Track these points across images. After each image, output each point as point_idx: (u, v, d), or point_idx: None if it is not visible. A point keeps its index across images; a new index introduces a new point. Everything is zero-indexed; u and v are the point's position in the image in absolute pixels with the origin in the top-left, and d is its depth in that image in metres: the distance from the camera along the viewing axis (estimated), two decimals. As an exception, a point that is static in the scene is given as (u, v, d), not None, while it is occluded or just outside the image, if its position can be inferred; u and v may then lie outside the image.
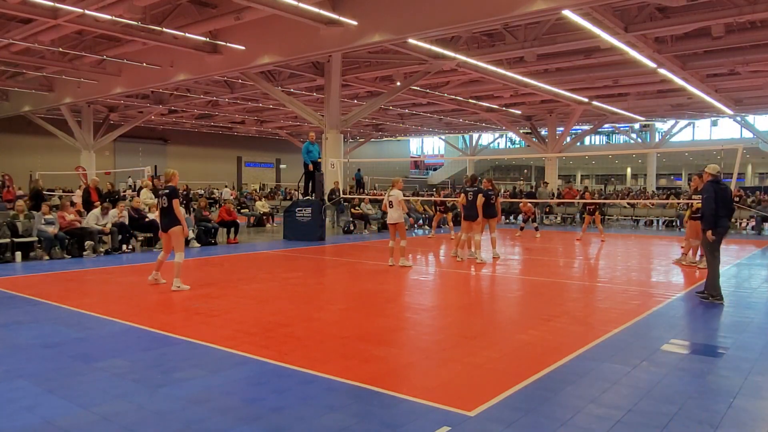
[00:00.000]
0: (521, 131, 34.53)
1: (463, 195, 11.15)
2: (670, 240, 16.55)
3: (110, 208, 12.66)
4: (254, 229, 19.65)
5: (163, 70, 19.18)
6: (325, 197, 16.77)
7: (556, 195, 25.16)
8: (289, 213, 15.81)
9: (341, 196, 18.13)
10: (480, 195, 10.92)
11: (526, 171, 54.68)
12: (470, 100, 26.23)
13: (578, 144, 39.02)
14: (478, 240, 11.09)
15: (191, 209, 16.58)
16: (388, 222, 10.48)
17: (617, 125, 38.75)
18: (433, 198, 20.71)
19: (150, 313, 6.54)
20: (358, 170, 32.38)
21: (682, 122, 38.44)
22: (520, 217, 18.85)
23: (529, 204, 18.10)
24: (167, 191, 8.00)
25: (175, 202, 7.99)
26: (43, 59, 19.78)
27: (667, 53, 16.23)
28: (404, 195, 11.05)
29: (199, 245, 13.71)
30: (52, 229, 11.28)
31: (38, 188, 15.69)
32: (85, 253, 11.77)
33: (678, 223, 20.62)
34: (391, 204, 10.22)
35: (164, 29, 15.01)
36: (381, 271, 9.90)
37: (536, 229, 17.32)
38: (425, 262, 11.41)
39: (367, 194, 23.63)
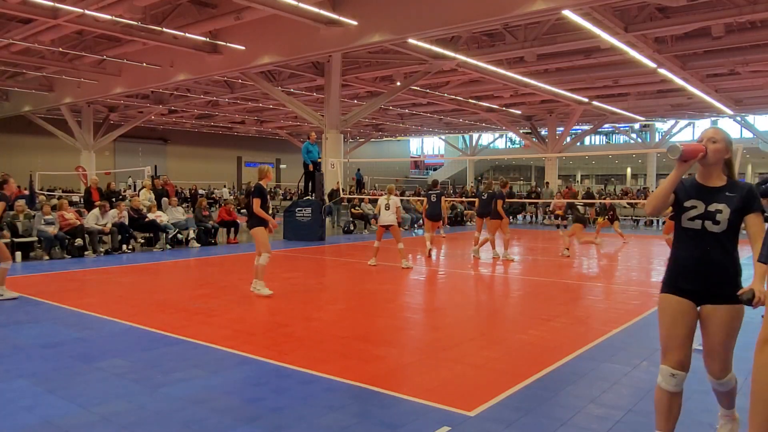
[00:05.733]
0: (521, 131, 34.52)
1: (477, 199, 11.74)
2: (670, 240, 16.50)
3: (108, 208, 12.64)
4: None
5: (163, 70, 19.17)
6: (326, 197, 16.75)
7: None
8: (289, 213, 15.80)
9: (341, 196, 18.12)
10: (497, 197, 11.51)
11: (521, 180, 54.58)
12: (470, 100, 26.21)
13: (578, 144, 38.97)
14: (507, 239, 11.62)
15: (194, 209, 16.58)
16: (380, 224, 10.71)
17: (617, 125, 38.70)
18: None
19: (150, 313, 6.54)
20: (358, 170, 32.42)
21: (682, 122, 38.42)
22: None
23: (559, 203, 17.89)
24: (251, 189, 8.00)
25: (255, 201, 7.52)
26: (43, 59, 19.77)
27: (667, 53, 16.22)
28: (404, 195, 11.25)
29: (198, 245, 13.72)
30: (52, 229, 11.28)
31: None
32: (86, 252, 11.77)
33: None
34: (387, 207, 10.53)
35: (164, 29, 15.00)
36: (381, 271, 9.90)
37: (557, 227, 17.06)
38: (425, 263, 11.41)
39: (367, 194, 23.61)
